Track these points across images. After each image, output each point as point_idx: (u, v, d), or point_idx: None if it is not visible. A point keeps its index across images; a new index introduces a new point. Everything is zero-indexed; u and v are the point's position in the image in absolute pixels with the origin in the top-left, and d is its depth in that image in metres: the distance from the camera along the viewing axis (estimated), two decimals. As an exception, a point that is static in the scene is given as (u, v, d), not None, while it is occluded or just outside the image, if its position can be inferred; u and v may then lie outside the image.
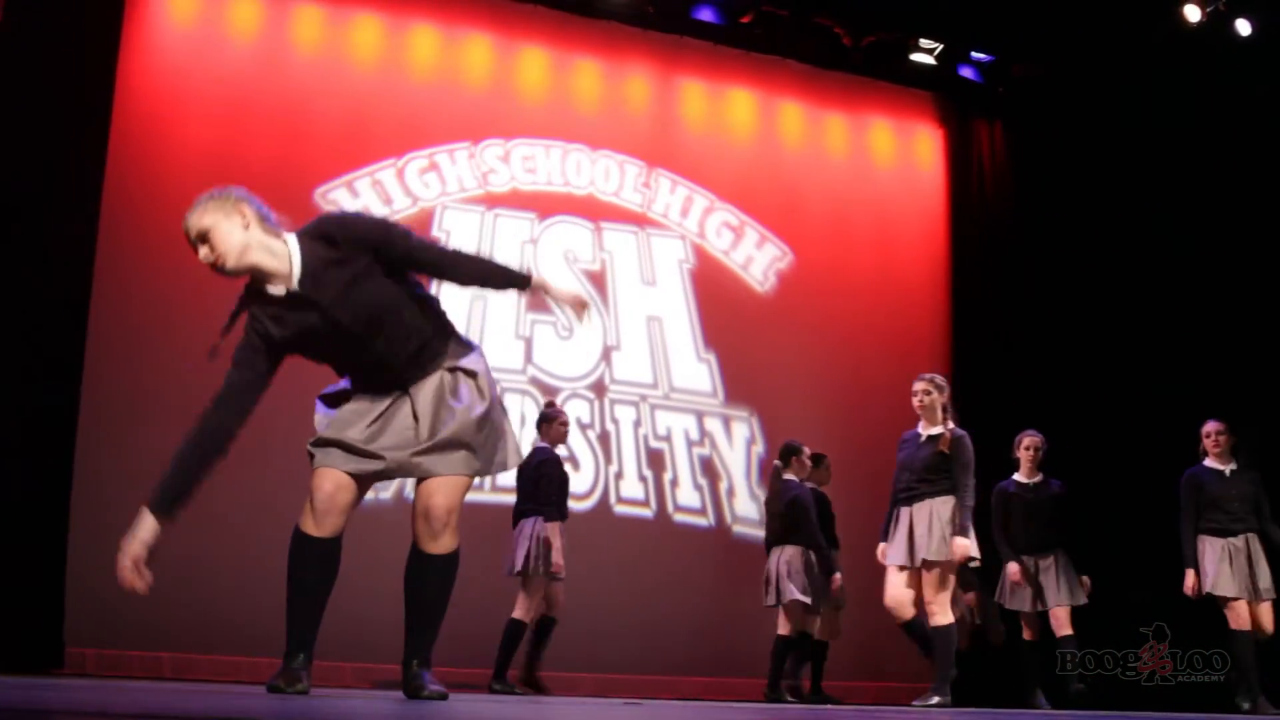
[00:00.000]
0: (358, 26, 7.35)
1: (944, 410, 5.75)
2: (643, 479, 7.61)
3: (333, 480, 3.24)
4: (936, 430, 5.72)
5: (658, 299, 7.86)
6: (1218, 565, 6.05)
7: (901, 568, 5.70)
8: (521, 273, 3.31)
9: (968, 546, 5.55)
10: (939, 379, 5.85)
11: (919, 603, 5.59)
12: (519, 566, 6.20)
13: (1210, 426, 6.27)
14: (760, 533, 7.69)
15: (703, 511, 7.69)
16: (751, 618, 7.35)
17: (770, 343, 7.97)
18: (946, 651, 5.59)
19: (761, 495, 7.81)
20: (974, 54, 8.65)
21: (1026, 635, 6.54)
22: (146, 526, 3.23)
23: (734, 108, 8.36)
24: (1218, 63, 7.83)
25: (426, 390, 3.21)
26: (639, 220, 7.90)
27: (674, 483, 7.63)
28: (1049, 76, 8.55)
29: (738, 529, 7.71)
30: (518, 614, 6.25)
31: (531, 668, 6.39)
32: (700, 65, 8.24)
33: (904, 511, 5.75)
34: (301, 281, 3.13)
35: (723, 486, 7.77)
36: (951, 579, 5.69)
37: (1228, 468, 6.20)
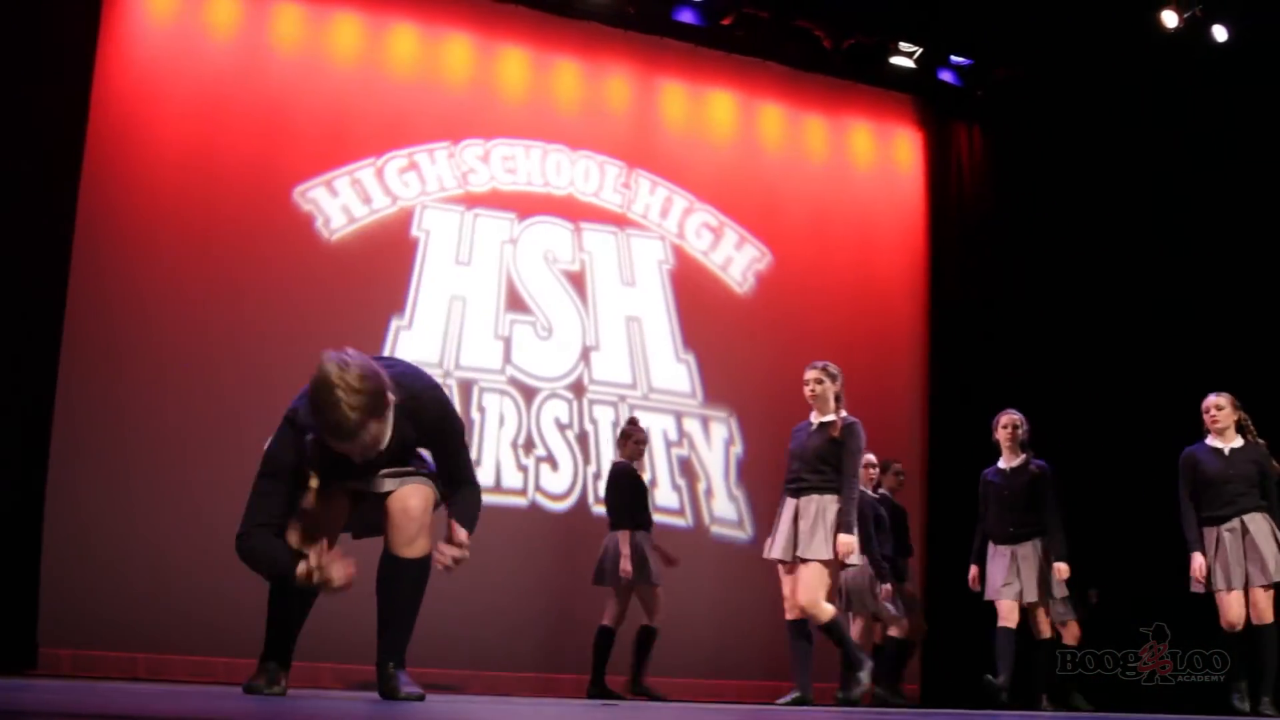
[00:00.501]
0: (337, 25, 7.33)
1: (836, 399, 5.64)
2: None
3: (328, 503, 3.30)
4: (828, 418, 5.60)
5: (637, 299, 7.86)
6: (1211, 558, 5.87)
7: (784, 564, 5.55)
8: (467, 529, 3.41)
9: (852, 545, 5.38)
10: (831, 367, 5.72)
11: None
12: (599, 577, 6.51)
13: (1209, 400, 6.01)
14: (738, 534, 7.71)
15: (681, 512, 7.70)
16: (731, 618, 7.37)
17: (749, 343, 7.99)
18: (848, 643, 5.44)
19: (740, 496, 7.83)
20: (953, 58, 8.68)
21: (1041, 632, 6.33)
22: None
23: (714, 109, 8.37)
24: (1195, 68, 7.89)
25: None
26: (618, 221, 7.90)
27: (653, 483, 7.63)
28: (1027, 80, 8.59)
29: (716, 529, 7.72)
30: (606, 621, 6.45)
31: (638, 676, 6.49)
32: (681, 66, 8.25)
33: (789, 503, 5.59)
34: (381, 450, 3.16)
35: (701, 487, 7.78)
36: (829, 579, 5.47)
37: (1228, 446, 5.95)
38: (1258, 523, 5.76)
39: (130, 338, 6.56)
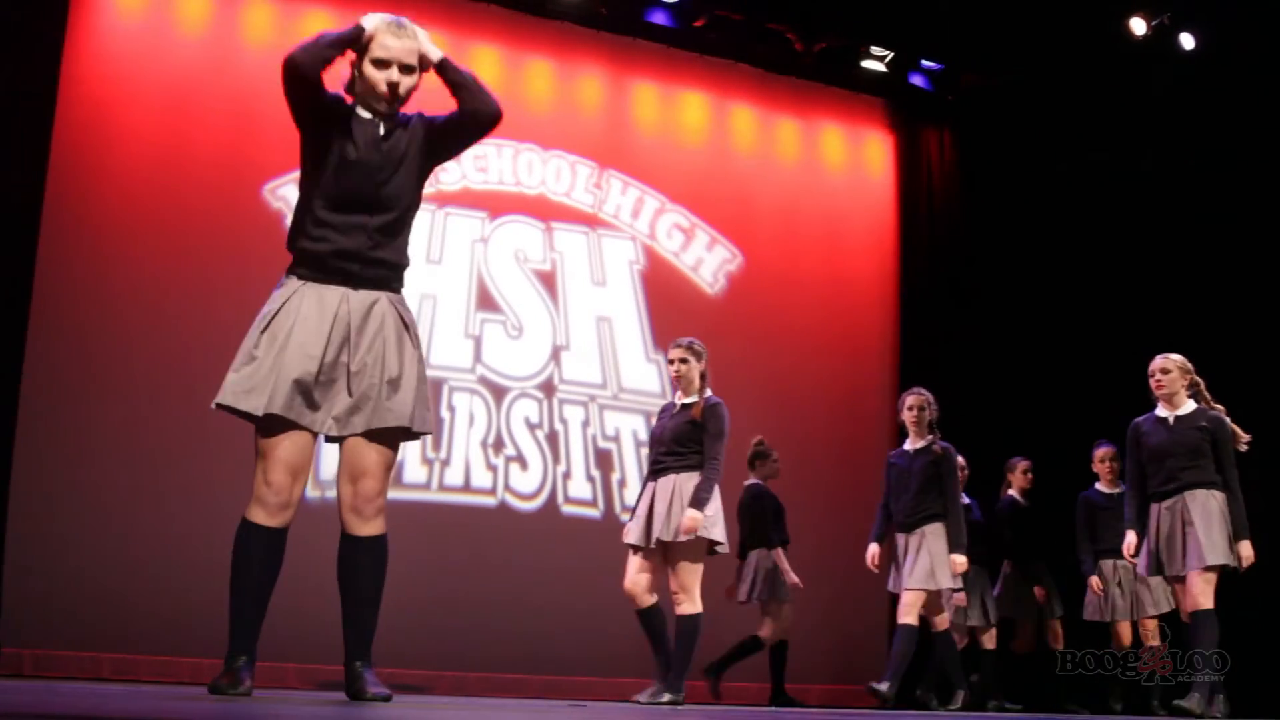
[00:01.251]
0: (308, 21, 7.28)
1: (702, 378, 5.41)
2: (590, 479, 7.61)
3: (288, 462, 3.18)
4: (691, 399, 5.39)
5: (608, 299, 7.86)
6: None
7: (637, 549, 5.29)
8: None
9: (699, 520, 5.09)
10: (697, 345, 5.49)
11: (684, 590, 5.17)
12: (744, 596, 6.64)
13: (1154, 363, 5.58)
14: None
15: (650, 512, 7.69)
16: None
17: (719, 344, 7.95)
18: (689, 644, 5.19)
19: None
20: (924, 62, 8.73)
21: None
22: None
23: (686, 110, 8.38)
24: (1162, 74, 7.97)
25: (369, 329, 3.19)
26: (590, 221, 7.90)
27: (622, 483, 7.64)
28: (997, 86, 8.66)
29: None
30: (762, 633, 6.59)
31: (780, 687, 6.72)
32: (653, 67, 8.26)
33: (648, 487, 5.35)
34: (389, 120, 3.31)
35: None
36: (700, 565, 5.21)
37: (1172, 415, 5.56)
38: (1199, 501, 5.21)
39: (96, 334, 6.51)
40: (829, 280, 8.50)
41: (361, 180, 3.25)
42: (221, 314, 6.65)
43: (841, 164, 8.89)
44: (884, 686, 5.75)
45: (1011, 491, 7.31)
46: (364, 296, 3.21)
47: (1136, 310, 7.89)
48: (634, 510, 5.43)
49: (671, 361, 5.49)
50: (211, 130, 6.91)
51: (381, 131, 3.30)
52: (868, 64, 8.57)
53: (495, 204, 7.62)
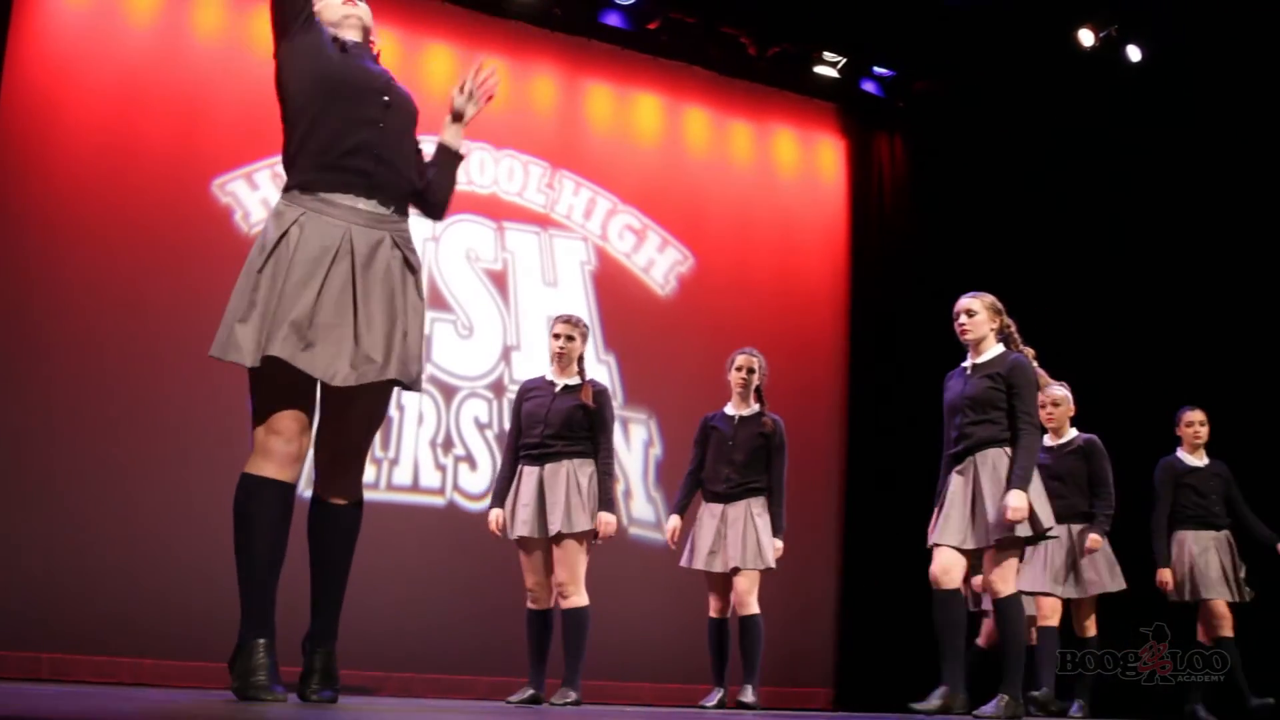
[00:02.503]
0: (259, 16, 7.19)
1: (581, 360, 5.23)
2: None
3: (294, 408, 2.85)
4: (574, 380, 5.17)
5: (559, 300, 7.85)
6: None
7: (531, 543, 5.04)
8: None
9: (614, 523, 5.04)
10: (584, 323, 5.28)
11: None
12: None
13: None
14: (657, 535, 7.74)
15: (599, 514, 7.69)
16: (646, 620, 7.38)
17: (670, 346, 8.02)
18: (583, 637, 5.05)
19: (658, 498, 7.85)
20: (876, 68, 8.80)
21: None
22: None
23: (639, 112, 8.40)
24: (1109, 85, 8.10)
25: (374, 273, 2.92)
26: (542, 221, 7.89)
27: (573, 484, 7.63)
28: (948, 93, 8.75)
29: (634, 531, 7.73)
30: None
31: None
32: (607, 69, 8.26)
33: (529, 472, 5.08)
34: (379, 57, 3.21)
35: (619, 489, 7.80)
36: (585, 558, 5.05)
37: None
38: (989, 461, 4.61)
39: (40, 329, 6.40)
40: (780, 283, 8.55)
41: (366, 75, 3.13)
42: (168, 311, 6.58)
43: (794, 168, 8.94)
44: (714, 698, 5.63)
45: None
46: (368, 235, 2.94)
47: (1084, 315, 8.00)
48: (513, 499, 5.13)
49: (558, 336, 5.21)
50: (160, 124, 6.82)
51: (376, 50, 3.26)
52: (820, 69, 8.63)
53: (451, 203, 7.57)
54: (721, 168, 8.59)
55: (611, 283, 8.02)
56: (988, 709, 4.43)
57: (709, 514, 5.69)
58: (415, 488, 7.16)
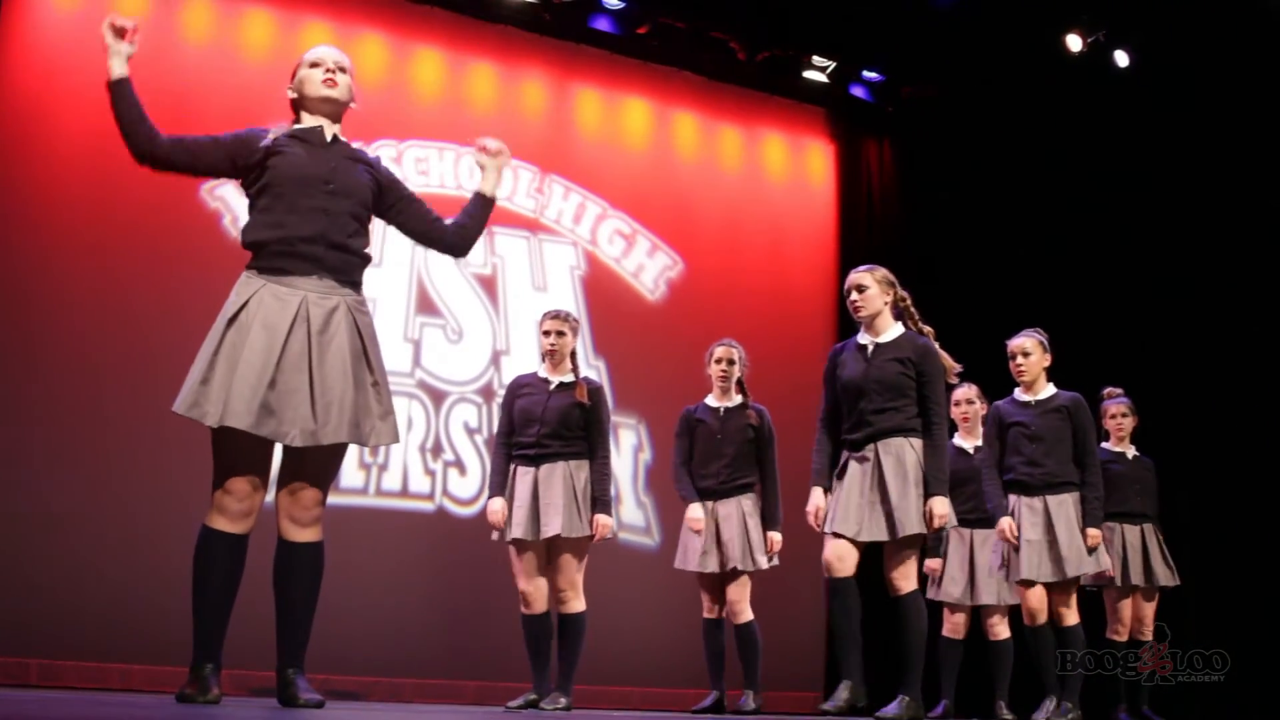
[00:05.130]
0: (248, 20, 7.21)
1: (573, 356, 5.13)
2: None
3: (248, 470, 3.18)
4: (568, 378, 5.06)
5: (548, 305, 7.81)
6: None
7: (523, 545, 4.92)
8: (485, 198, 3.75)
9: (611, 525, 4.97)
10: (573, 318, 5.13)
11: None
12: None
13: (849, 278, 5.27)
14: (646, 540, 7.74)
15: (589, 518, 7.69)
16: (637, 624, 7.37)
17: (659, 351, 8.02)
18: (579, 644, 5.01)
19: (648, 503, 7.85)
20: (865, 73, 8.82)
21: None
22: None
23: (629, 117, 8.40)
24: (1097, 89, 8.13)
25: (330, 337, 3.18)
26: (531, 226, 7.89)
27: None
28: (936, 98, 8.78)
29: (624, 536, 7.72)
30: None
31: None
32: (596, 73, 8.27)
33: (523, 473, 4.96)
34: (328, 130, 3.41)
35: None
36: (583, 563, 5.00)
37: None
38: (893, 452, 4.32)
39: (29, 334, 6.38)
40: (769, 287, 8.56)
41: (315, 166, 3.30)
42: (156, 316, 6.56)
43: (783, 172, 8.96)
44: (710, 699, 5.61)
45: None
46: (323, 301, 3.19)
47: (1072, 319, 8.01)
48: (507, 499, 5.01)
49: (548, 333, 5.09)
50: (148, 128, 6.80)
51: (329, 136, 3.40)
52: (809, 74, 8.65)
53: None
54: (711, 172, 8.60)
55: (601, 287, 8.03)
56: (890, 710, 4.26)
57: (706, 509, 5.59)
58: (404, 493, 7.15)
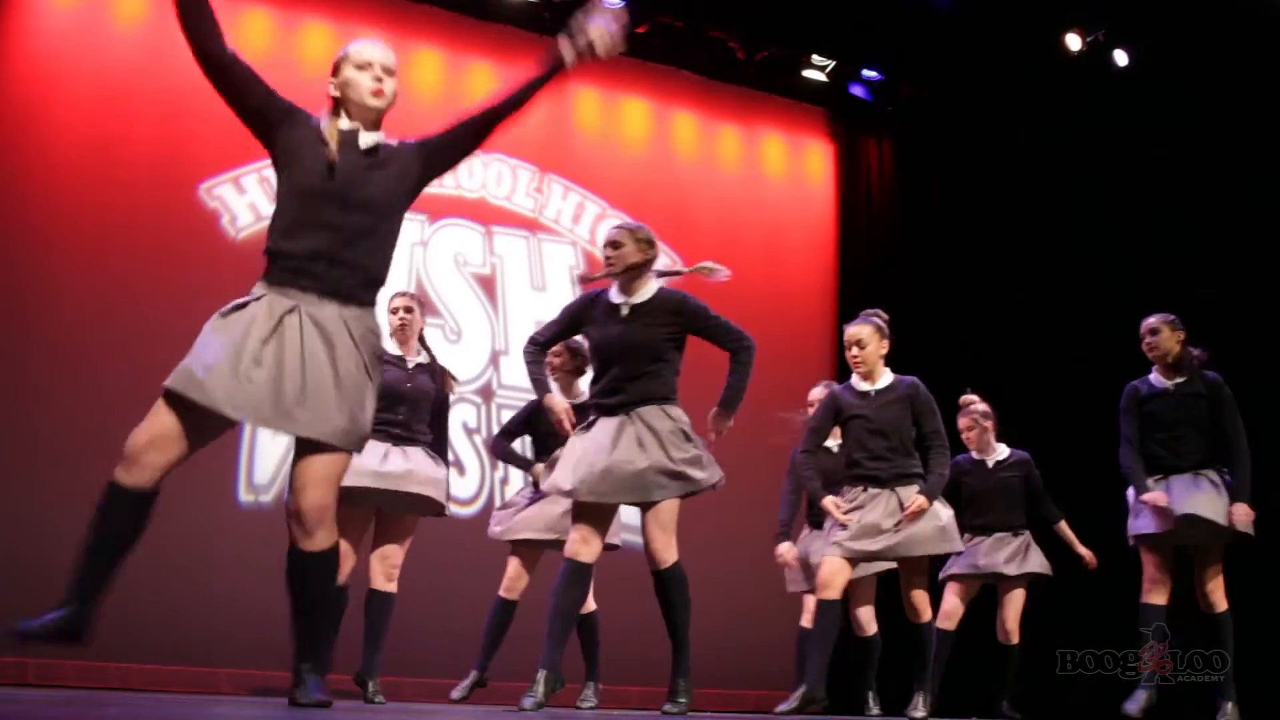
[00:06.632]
0: (248, 20, 7.21)
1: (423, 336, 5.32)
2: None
3: (162, 432, 3.11)
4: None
5: (548, 304, 7.84)
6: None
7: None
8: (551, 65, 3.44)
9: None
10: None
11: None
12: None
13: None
14: (640, 539, 7.72)
15: (588, 518, 7.68)
16: (633, 623, 7.36)
17: (659, 351, 8.00)
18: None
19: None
20: (864, 72, 8.82)
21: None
22: None
23: (627, 116, 8.40)
24: (1096, 89, 8.13)
25: (312, 333, 3.12)
26: (530, 225, 7.89)
27: (560, 489, 7.61)
28: (936, 97, 8.78)
29: (622, 535, 7.71)
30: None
31: None
32: (595, 73, 8.24)
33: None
34: (366, 136, 3.27)
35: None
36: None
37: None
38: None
39: (26, 332, 6.38)
40: (768, 287, 8.55)
41: (338, 176, 3.19)
42: (152, 316, 6.56)
43: (782, 172, 8.96)
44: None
45: None
46: (316, 309, 3.13)
47: (1071, 319, 8.02)
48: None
49: (395, 310, 5.24)
50: (147, 128, 6.81)
51: (363, 142, 3.26)
52: (808, 73, 8.65)
53: (435, 207, 7.58)
54: (710, 172, 8.60)
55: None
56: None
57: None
58: (403, 492, 7.13)
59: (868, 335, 5.07)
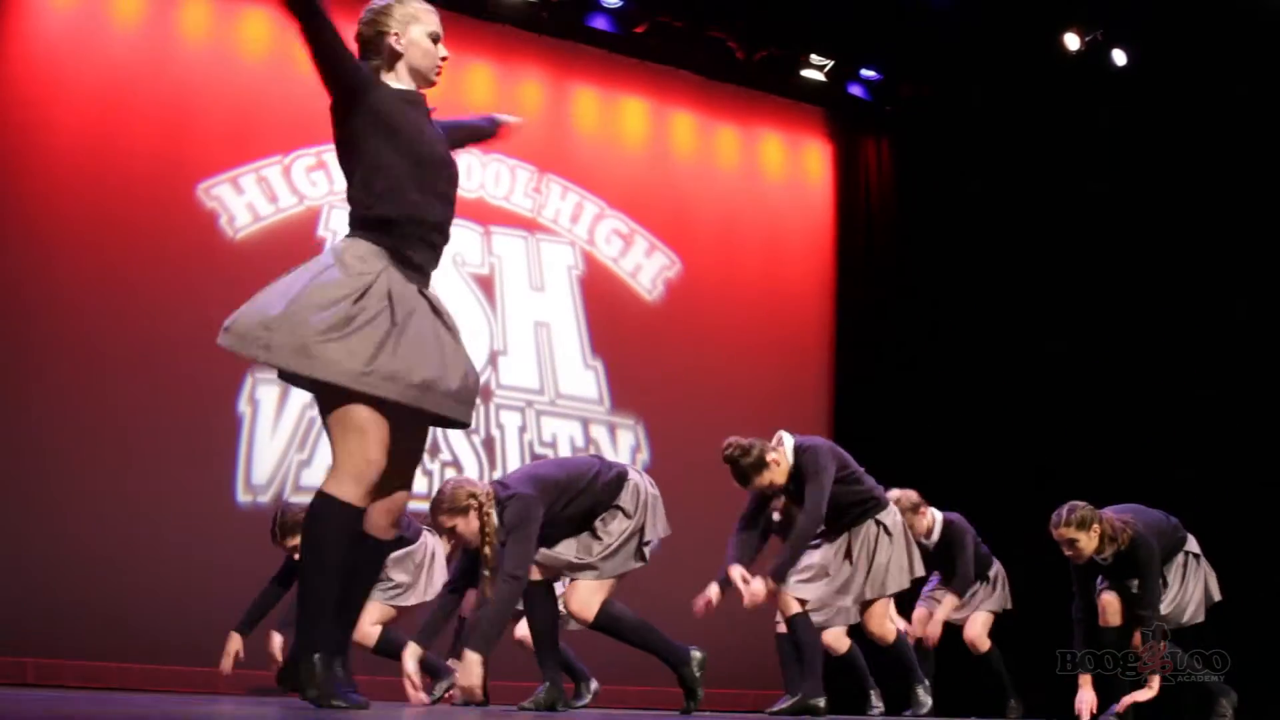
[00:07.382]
0: (246, 20, 7.20)
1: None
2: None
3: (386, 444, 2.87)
4: None
5: (546, 305, 7.85)
6: None
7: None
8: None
9: None
10: None
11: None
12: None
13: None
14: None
15: (587, 518, 7.67)
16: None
17: (657, 351, 8.02)
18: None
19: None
20: (863, 72, 8.82)
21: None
22: None
23: (626, 116, 8.40)
24: (1095, 89, 8.13)
25: (444, 311, 3.05)
26: (529, 225, 7.88)
27: (559, 489, 7.61)
28: (934, 97, 8.77)
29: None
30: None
31: None
32: (593, 72, 8.26)
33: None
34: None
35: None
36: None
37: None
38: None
39: (25, 333, 6.38)
40: (767, 287, 8.55)
41: (436, 143, 3.09)
42: (151, 317, 6.56)
43: (780, 172, 8.95)
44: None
45: None
46: (428, 293, 3.03)
47: (1072, 319, 8.02)
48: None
49: None
50: (144, 128, 6.80)
51: (426, 104, 3.13)
52: (807, 73, 8.64)
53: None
54: (708, 172, 8.60)
55: (598, 287, 8.02)
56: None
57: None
58: (402, 492, 7.12)
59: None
